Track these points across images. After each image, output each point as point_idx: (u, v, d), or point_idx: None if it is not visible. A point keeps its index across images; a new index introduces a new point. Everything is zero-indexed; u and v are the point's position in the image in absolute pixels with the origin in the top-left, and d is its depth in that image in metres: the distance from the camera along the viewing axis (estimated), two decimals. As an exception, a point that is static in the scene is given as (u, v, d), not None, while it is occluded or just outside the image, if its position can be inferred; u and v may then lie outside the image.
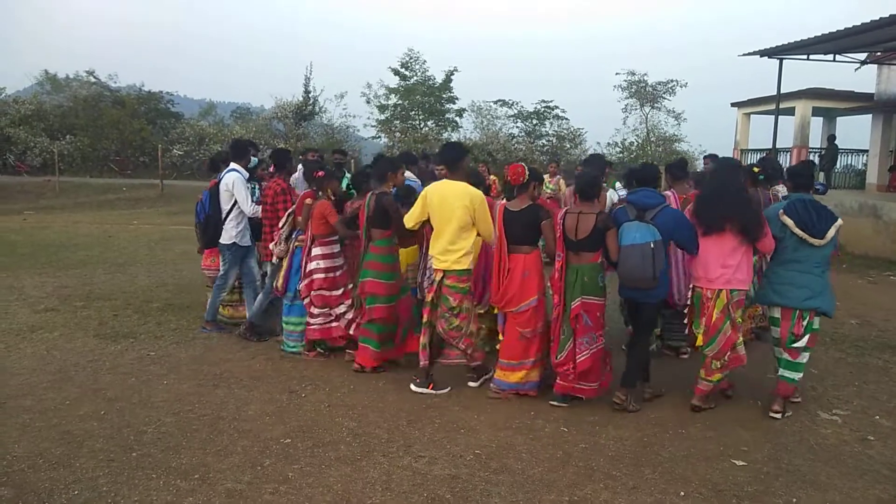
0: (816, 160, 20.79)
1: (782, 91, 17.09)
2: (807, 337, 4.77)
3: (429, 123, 29.29)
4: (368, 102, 29.71)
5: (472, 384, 5.26)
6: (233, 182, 6.28)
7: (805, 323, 4.74)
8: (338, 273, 5.76)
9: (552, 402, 4.88)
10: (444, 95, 29.43)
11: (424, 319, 5.15)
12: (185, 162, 27.12)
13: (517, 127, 30.14)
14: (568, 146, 28.95)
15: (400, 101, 29.36)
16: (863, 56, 17.36)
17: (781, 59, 16.36)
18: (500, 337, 5.21)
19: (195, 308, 7.51)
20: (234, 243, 6.35)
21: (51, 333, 6.45)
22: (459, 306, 5.02)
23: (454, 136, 29.02)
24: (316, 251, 5.68)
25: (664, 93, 29.79)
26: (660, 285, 4.76)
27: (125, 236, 13.72)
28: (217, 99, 48.83)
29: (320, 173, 5.84)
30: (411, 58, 29.30)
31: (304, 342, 5.89)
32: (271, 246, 6.10)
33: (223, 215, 6.33)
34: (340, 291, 5.74)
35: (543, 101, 29.74)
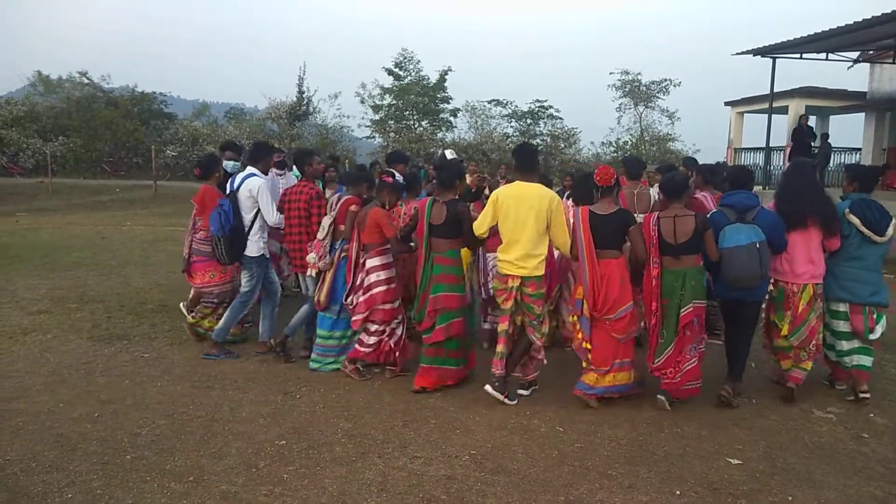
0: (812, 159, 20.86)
1: (776, 90, 17.15)
2: (879, 328, 5.08)
3: (423, 123, 29.29)
4: (363, 102, 29.75)
5: (522, 392, 5.08)
6: (258, 188, 5.68)
7: (875, 316, 5.07)
8: (393, 284, 5.41)
9: (659, 396, 4.84)
10: (438, 95, 29.44)
11: (503, 328, 4.93)
12: (178, 163, 27.04)
13: (511, 126, 30.19)
14: (562, 146, 28.98)
15: (394, 101, 29.36)
16: (855, 55, 17.44)
17: (775, 58, 16.42)
18: (587, 345, 4.88)
19: (189, 309, 7.49)
20: (263, 255, 5.84)
21: (44, 335, 6.42)
22: (542, 312, 4.95)
23: (448, 137, 29.08)
24: (373, 262, 5.33)
25: (658, 92, 29.92)
26: (763, 283, 4.94)
27: (119, 238, 13.67)
28: (210, 100, 48.78)
29: (388, 178, 5.65)
30: (405, 58, 29.32)
31: (347, 357, 5.50)
32: (310, 257, 5.52)
33: (247, 225, 5.74)
34: (397, 304, 5.44)
35: (538, 101, 29.81)
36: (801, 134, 16.26)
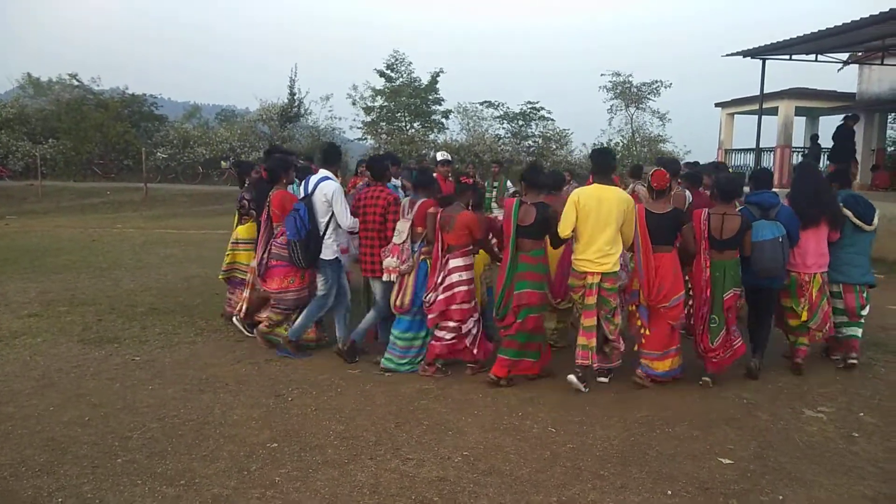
0: (800, 159, 20.98)
1: (765, 91, 17.23)
2: (868, 305, 5.95)
3: (415, 125, 29.28)
4: (354, 104, 29.71)
5: (571, 378, 5.20)
6: (332, 192, 5.68)
7: (865, 295, 5.91)
8: (472, 285, 5.49)
9: (705, 379, 5.35)
10: (429, 97, 29.43)
11: (590, 323, 5.14)
12: (169, 165, 26.93)
13: (503, 128, 30.21)
14: (554, 147, 29.04)
15: (386, 103, 29.34)
16: (845, 56, 17.55)
17: (764, 60, 16.49)
18: (646, 331, 5.32)
19: (180, 312, 7.47)
20: (337, 258, 5.86)
21: (34, 339, 6.38)
22: (616, 305, 5.23)
23: (440, 138, 29.06)
24: (457, 262, 5.38)
25: (649, 93, 30.01)
26: (783, 273, 5.54)
27: (109, 240, 13.61)
28: (201, 101, 48.49)
29: (469, 180, 5.69)
30: (397, 59, 29.30)
31: (425, 358, 5.58)
32: (390, 261, 5.55)
33: (322, 229, 5.74)
34: (473, 304, 5.48)
35: (529, 103, 29.84)
36: (844, 136, 15.58)
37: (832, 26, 12.96)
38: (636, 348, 5.38)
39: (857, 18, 12.36)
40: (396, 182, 7.00)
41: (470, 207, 5.52)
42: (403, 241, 5.54)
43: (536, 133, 29.98)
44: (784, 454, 4.20)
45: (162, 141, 27.86)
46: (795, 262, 5.61)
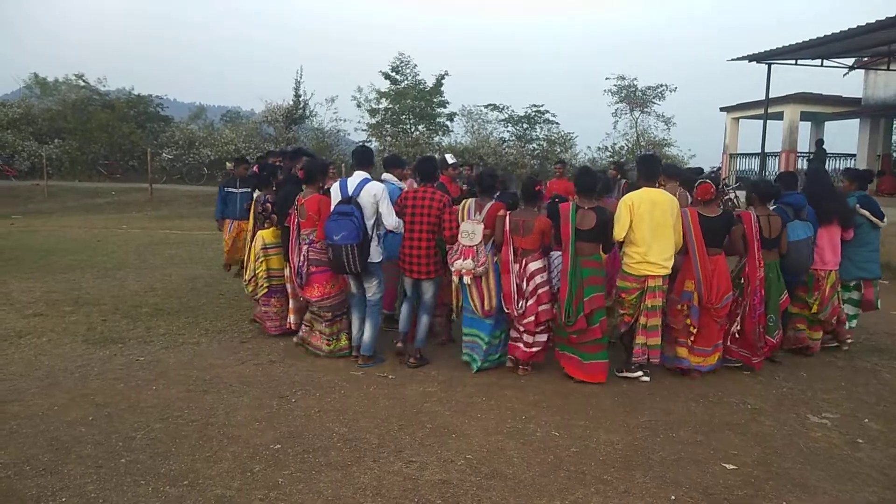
0: (805, 164, 20.95)
1: (771, 96, 17.21)
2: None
3: (420, 127, 29.27)
4: (359, 106, 29.66)
5: (627, 374, 5.57)
6: (381, 192, 5.59)
7: (877, 289, 6.58)
8: (549, 286, 5.55)
9: (745, 372, 5.78)
10: (434, 100, 29.42)
11: (656, 323, 5.41)
12: (174, 166, 26.97)
13: (508, 131, 30.17)
14: (559, 150, 29.00)
15: (391, 106, 29.32)
16: (850, 61, 17.53)
17: (770, 65, 16.49)
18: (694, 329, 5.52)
19: (184, 313, 7.49)
20: (382, 260, 5.80)
21: (39, 339, 6.40)
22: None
23: (445, 141, 29.05)
24: (536, 265, 5.45)
25: (654, 97, 29.90)
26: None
27: (114, 241, 13.64)
28: (207, 103, 48.62)
29: (539, 186, 5.72)
30: (402, 62, 29.31)
31: (521, 361, 5.63)
32: (465, 263, 5.42)
33: (370, 231, 5.59)
34: (553, 305, 5.52)
35: (534, 106, 29.81)
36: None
37: (838, 31, 12.95)
38: (690, 343, 5.56)
39: (864, 24, 12.34)
40: (401, 184, 6.98)
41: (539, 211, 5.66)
42: (478, 244, 5.46)
43: (541, 136, 29.93)
44: (788, 460, 4.19)
45: (167, 142, 27.91)
46: (814, 259, 6.02)
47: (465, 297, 5.68)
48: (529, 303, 5.43)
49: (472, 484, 3.78)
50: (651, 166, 5.68)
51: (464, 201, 5.82)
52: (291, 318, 6.42)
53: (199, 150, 26.82)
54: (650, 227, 5.26)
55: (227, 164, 25.76)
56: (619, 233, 5.35)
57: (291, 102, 29.19)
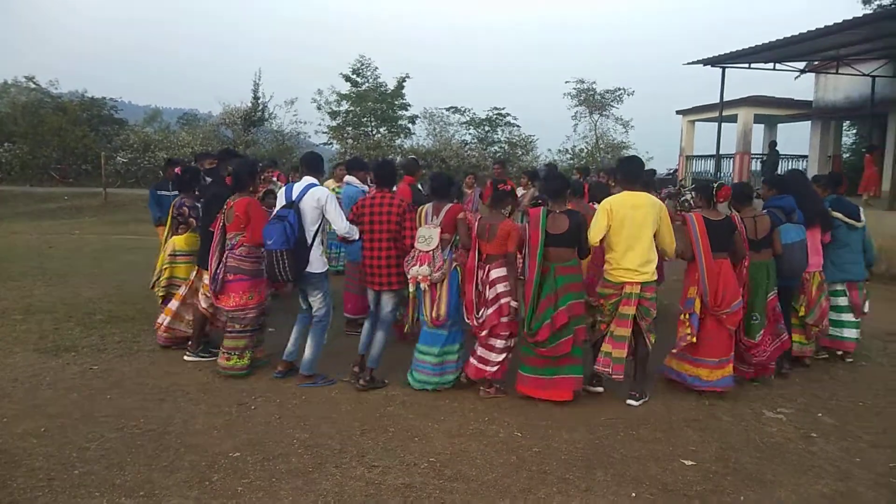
0: (759, 166, 21.48)
1: (725, 99, 17.61)
2: (868, 301, 6.46)
3: (381, 130, 29.21)
4: (319, 109, 29.47)
5: (632, 402, 5.13)
6: (326, 197, 5.31)
7: (865, 292, 6.43)
8: (512, 296, 5.20)
9: (756, 383, 5.61)
10: (396, 102, 29.39)
11: (624, 333, 5.08)
12: (129, 169, 26.39)
13: (470, 134, 30.32)
14: (520, 153, 29.22)
15: (352, 108, 29.20)
16: (801, 65, 18.03)
17: (724, 68, 16.86)
18: (693, 339, 5.25)
19: (140, 320, 7.32)
20: (328, 271, 5.51)
21: (-14, 349, 6.19)
22: (655, 315, 5.19)
23: (407, 143, 29.05)
24: (499, 272, 5.12)
25: (612, 101, 30.38)
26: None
27: (67, 246, 13.27)
28: (163, 105, 47.75)
29: (506, 187, 5.43)
30: (363, 64, 29.22)
31: (484, 386, 5.27)
32: (422, 269, 5.15)
33: (310, 239, 5.31)
34: (516, 317, 5.20)
35: (495, 109, 30.01)
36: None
37: (789, 36, 13.30)
38: (685, 355, 5.34)
39: (814, 28, 12.70)
40: (364, 187, 6.94)
41: (510, 214, 5.42)
42: (434, 248, 5.22)
43: (502, 139, 30.15)
44: (745, 455, 4.27)
45: (122, 145, 27.28)
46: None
47: (421, 309, 5.36)
48: (490, 311, 5.10)
49: (435, 487, 3.77)
50: (633, 168, 5.41)
51: (421, 206, 5.55)
52: (167, 319, 6.14)
53: (155, 153, 26.27)
54: (629, 231, 5.03)
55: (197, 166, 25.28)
56: (594, 237, 5.11)
57: (250, 104, 28.81)
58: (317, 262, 5.33)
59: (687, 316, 5.28)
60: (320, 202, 5.30)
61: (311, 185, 5.40)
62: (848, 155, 21.69)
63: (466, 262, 5.31)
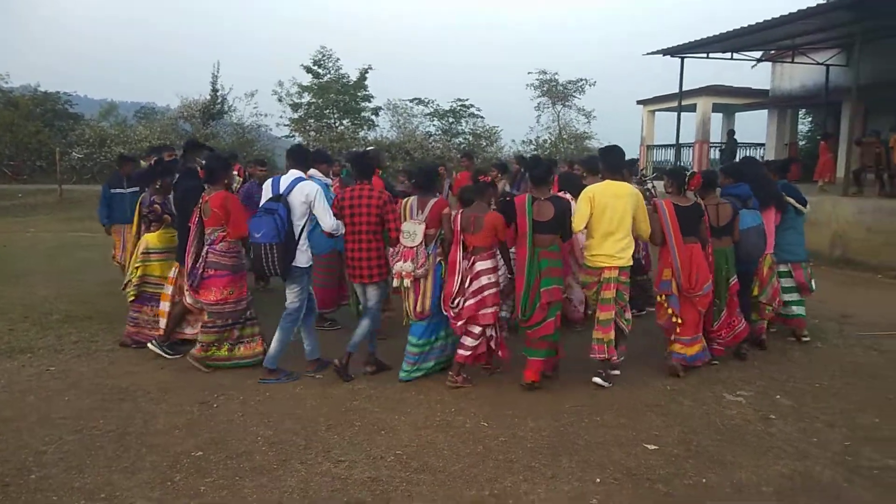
0: (717, 154, 21.85)
1: (684, 89, 17.84)
2: (813, 280, 6.71)
3: (344, 122, 28.96)
4: (280, 101, 29.06)
5: (598, 381, 5.27)
6: (315, 192, 5.26)
7: (809, 271, 6.66)
8: (499, 287, 5.32)
9: (714, 363, 5.77)
10: (359, 94, 29.16)
11: (607, 317, 5.23)
12: (85, 165, 25.74)
13: (434, 125, 30.23)
14: (484, 144, 29.26)
15: (314, 100, 28.87)
16: (758, 54, 18.35)
17: (683, 58, 17.08)
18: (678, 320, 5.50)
19: (98, 319, 7.16)
20: (311, 266, 5.47)
21: (-64, 352, 5.99)
22: (627, 299, 5.38)
23: (371, 135, 28.87)
24: (485, 265, 5.19)
25: (574, 91, 30.55)
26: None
27: (21, 245, 12.93)
28: (119, 99, 46.74)
29: (487, 178, 5.54)
30: (324, 55, 28.89)
31: (452, 368, 5.32)
32: (405, 265, 5.19)
33: (297, 233, 5.26)
34: (499, 307, 5.36)
35: (459, 100, 29.97)
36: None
37: (746, 25, 13.52)
38: (672, 338, 5.58)
39: (770, 18, 12.92)
40: (328, 180, 6.87)
41: (491, 205, 5.47)
42: (418, 245, 5.23)
43: (466, 130, 30.14)
44: (706, 438, 4.35)
45: (77, 140, 26.59)
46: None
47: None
48: (468, 302, 5.15)
49: (402, 479, 3.76)
50: (615, 158, 5.57)
51: (406, 200, 5.56)
52: (163, 321, 5.98)
53: (112, 148, 25.63)
54: (610, 219, 5.17)
55: (142, 162, 24.81)
56: (577, 224, 5.25)
57: (209, 97, 28.31)
58: (301, 256, 5.31)
59: (664, 297, 5.52)
60: (309, 197, 5.26)
61: (300, 180, 5.35)
62: (804, 142, 22.19)
63: (449, 256, 5.32)
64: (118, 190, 8.23)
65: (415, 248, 5.23)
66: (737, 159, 19.94)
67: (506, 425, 4.51)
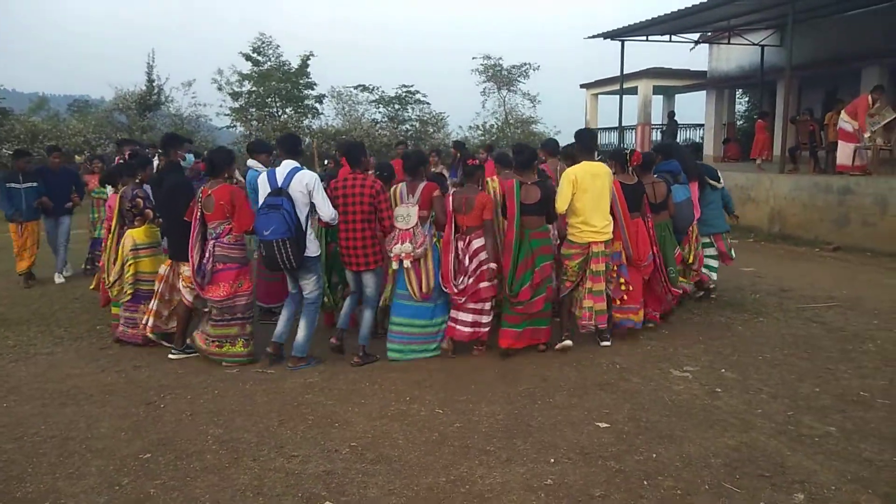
0: (659, 136, 22.28)
1: (626, 72, 18.11)
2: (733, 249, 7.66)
3: (287, 111, 28.42)
4: (220, 90, 28.26)
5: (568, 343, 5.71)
6: (314, 182, 5.23)
7: (729, 241, 7.49)
8: (493, 263, 5.54)
9: (649, 325, 6.29)
10: (301, 81, 28.63)
11: (600, 288, 5.68)
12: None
13: (380, 112, 29.94)
14: (431, 130, 29.15)
15: (255, 88, 28.21)
16: (696, 36, 18.73)
17: (623, 41, 17.32)
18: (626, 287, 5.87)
19: (35, 321, 6.89)
20: (320, 254, 5.57)
21: None
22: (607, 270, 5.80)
23: (315, 124, 28.39)
24: (480, 242, 5.49)
25: (519, 76, 30.66)
26: None
27: (-51, 247, 12.31)
28: (50, 92, 44.87)
29: (475, 161, 5.81)
30: (263, 42, 28.24)
31: (445, 339, 5.63)
32: (404, 247, 5.36)
33: (303, 223, 5.24)
34: (495, 282, 5.56)
35: (404, 86, 29.74)
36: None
37: (683, 8, 13.76)
38: (617, 303, 5.90)
39: (706, 0, 13.18)
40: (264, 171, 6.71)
41: (481, 186, 5.69)
42: (414, 226, 5.45)
43: (413, 117, 29.96)
44: (655, 413, 4.44)
45: (7, 136, 25.44)
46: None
47: (400, 283, 5.58)
48: (471, 280, 5.44)
49: (358, 471, 3.73)
50: (589, 140, 6.05)
51: (394, 187, 5.70)
52: (150, 320, 5.81)
53: (44, 143, 24.63)
54: (591, 197, 5.57)
55: (77, 157, 23.94)
56: (561, 205, 5.59)
57: (144, 88, 27.41)
58: (311, 245, 5.34)
59: (615, 267, 5.85)
60: (308, 187, 5.22)
61: (297, 170, 5.29)
62: (741, 122, 22.79)
63: (443, 236, 5.64)
64: (14, 185, 7.96)
65: (411, 229, 5.45)
66: (678, 140, 20.40)
67: (460, 411, 4.52)
